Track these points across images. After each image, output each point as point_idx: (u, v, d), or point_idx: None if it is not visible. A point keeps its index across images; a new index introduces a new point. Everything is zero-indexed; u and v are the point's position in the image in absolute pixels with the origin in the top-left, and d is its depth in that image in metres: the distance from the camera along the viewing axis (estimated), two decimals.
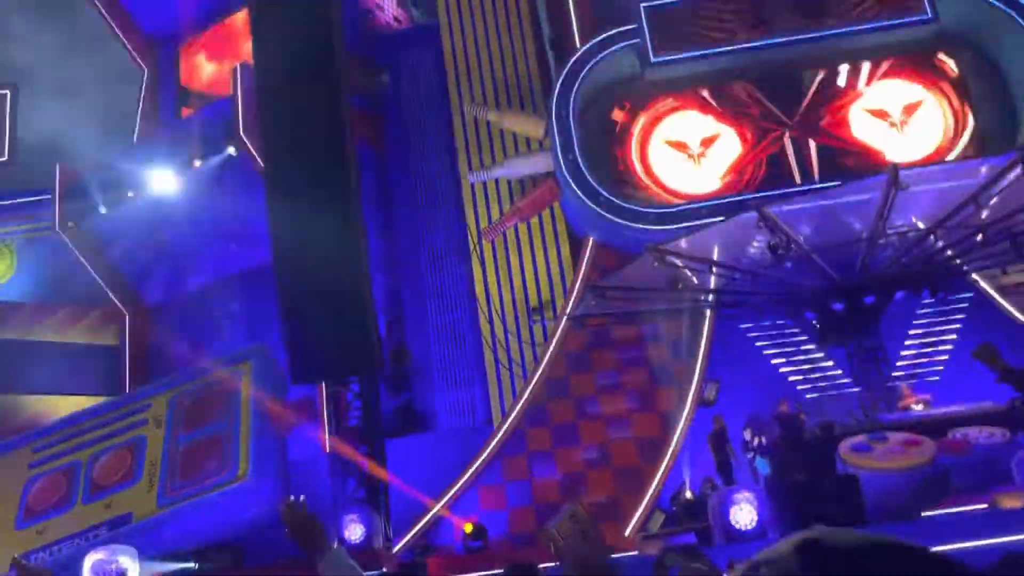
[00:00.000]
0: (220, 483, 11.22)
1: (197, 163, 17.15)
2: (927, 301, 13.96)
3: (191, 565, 10.86)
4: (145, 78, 20.13)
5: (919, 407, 12.59)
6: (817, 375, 13.98)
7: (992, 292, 13.83)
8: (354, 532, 10.67)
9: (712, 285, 13.45)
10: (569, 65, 15.32)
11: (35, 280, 18.66)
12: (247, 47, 17.94)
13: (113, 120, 19.41)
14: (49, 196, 18.03)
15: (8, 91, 19.11)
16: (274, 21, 13.30)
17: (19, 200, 18.93)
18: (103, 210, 17.62)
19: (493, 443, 13.61)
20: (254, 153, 15.90)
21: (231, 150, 16.68)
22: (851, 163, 15.19)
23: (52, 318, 17.83)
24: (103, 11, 19.82)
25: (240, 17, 18.61)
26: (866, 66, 15.60)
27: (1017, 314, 13.54)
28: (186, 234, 17.68)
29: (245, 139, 16.24)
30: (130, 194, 17.52)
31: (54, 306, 18.10)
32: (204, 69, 19.97)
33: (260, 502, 11.39)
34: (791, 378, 13.94)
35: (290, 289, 12.13)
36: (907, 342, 14.05)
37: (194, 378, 13.21)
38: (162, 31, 20.06)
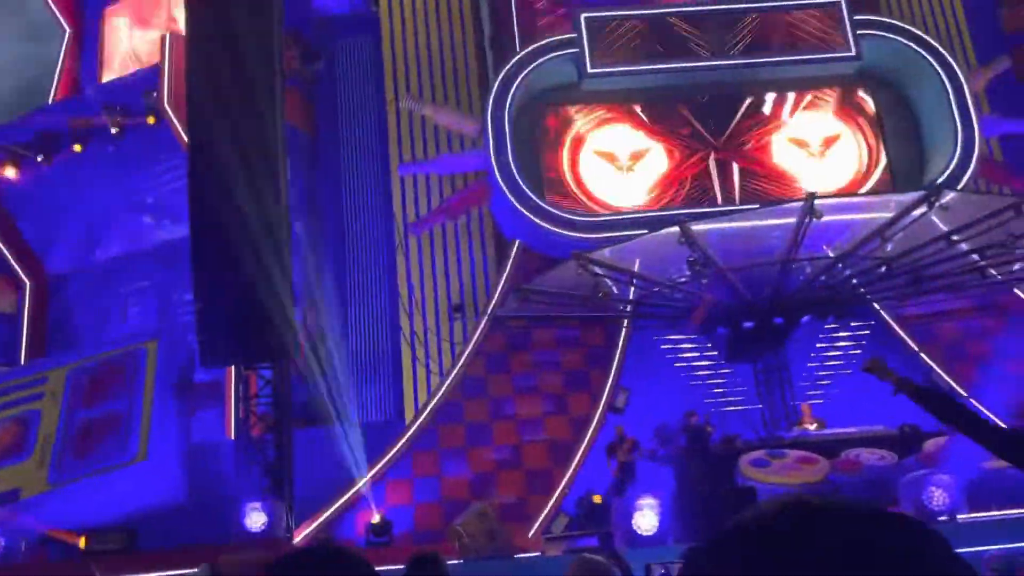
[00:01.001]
0: (117, 463, 10.83)
1: (114, 131, 16.54)
2: (831, 326, 14.61)
3: (79, 542, 10.43)
4: (67, 38, 19.27)
5: (813, 427, 13.16)
6: (725, 390, 14.43)
7: (892, 322, 14.56)
8: (256, 521, 10.46)
9: (631, 296, 13.75)
10: (507, 67, 15.42)
11: None
12: (174, 15, 17.45)
13: (29, 77, 18.50)
14: None
15: None
16: None
17: None
18: (11, 172, 16.79)
19: (405, 438, 13.56)
20: (177, 125, 15.43)
21: (151, 120, 16.15)
22: (771, 188, 15.76)
23: None
24: None
25: None
26: (791, 96, 16.22)
27: (913, 344, 14.29)
28: (98, 204, 17.01)
29: (169, 110, 15.74)
30: (40, 158, 16.76)
31: None
32: (128, 35, 19.24)
33: (158, 485, 11.05)
34: (700, 391, 14.35)
35: (207, 267, 11.79)
36: (810, 364, 14.65)
37: (96, 353, 12.71)
38: None
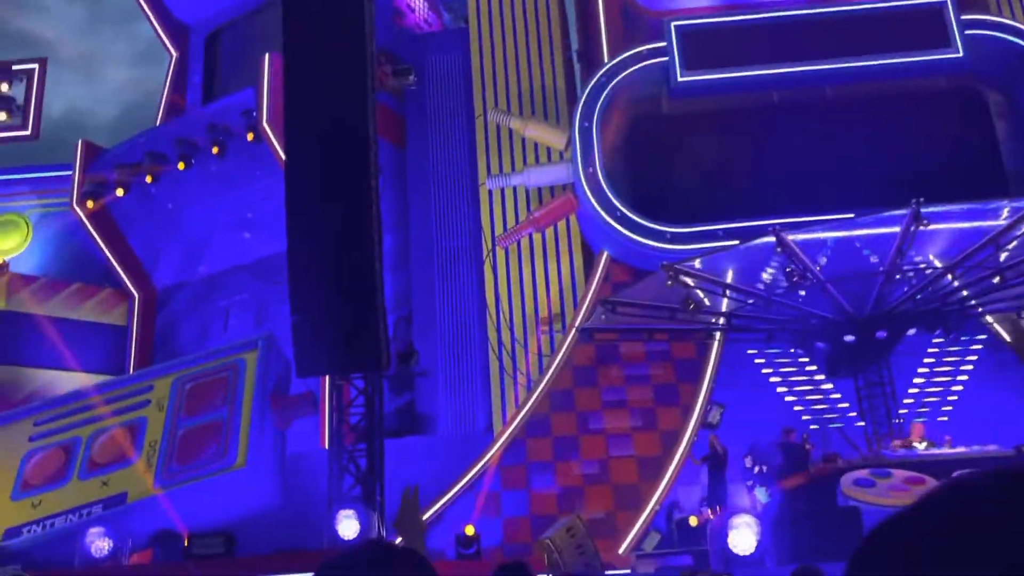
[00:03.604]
0: (217, 469, 11.19)
1: (215, 150, 17.20)
2: (939, 340, 13.87)
3: (182, 542, 10.82)
4: (172, 63, 20.22)
5: (922, 446, 12.48)
6: (823, 406, 13.88)
7: (1006, 335, 13.72)
8: (349, 529, 10.60)
9: (724, 308, 13.39)
10: (596, 77, 15.32)
11: (48, 255, 18.71)
12: (275, 37, 18.05)
13: (136, 100, 19.50)
14: (68, 172, 18.10)
15: (36, 65, 19.19)
16: (306, 13, 13.34)
17: (39, 174, 19.00)
18: (120, 190, 17.68)
19: (493, 450, 13.55)
20: (275, 143, 15.94)
21: (251, 137, 16.72)
22: None
23: (62, 294, 17.87)
24: None
25: (271, 7, 18.67)
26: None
27: None
28: (201, 220, 17.74)
29: (267, 129, 16.29)
30: (148, 178, 17.59)
31: (65, 282, 18.14)
32: (232, 56, 20.04)
33: (256, 491, 11.35)
34: (796, 407, 13.84)
35: (302, 280, 12.11)
36: (916, 380, 13.94)
37: (199, 363, 13.18)
38: (192, 17, 20.15)
